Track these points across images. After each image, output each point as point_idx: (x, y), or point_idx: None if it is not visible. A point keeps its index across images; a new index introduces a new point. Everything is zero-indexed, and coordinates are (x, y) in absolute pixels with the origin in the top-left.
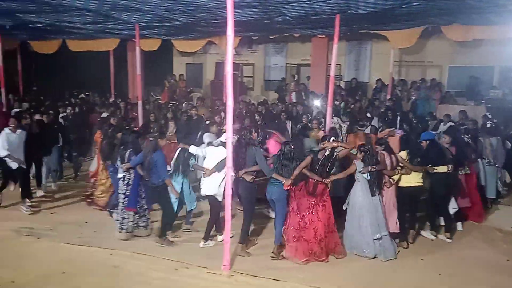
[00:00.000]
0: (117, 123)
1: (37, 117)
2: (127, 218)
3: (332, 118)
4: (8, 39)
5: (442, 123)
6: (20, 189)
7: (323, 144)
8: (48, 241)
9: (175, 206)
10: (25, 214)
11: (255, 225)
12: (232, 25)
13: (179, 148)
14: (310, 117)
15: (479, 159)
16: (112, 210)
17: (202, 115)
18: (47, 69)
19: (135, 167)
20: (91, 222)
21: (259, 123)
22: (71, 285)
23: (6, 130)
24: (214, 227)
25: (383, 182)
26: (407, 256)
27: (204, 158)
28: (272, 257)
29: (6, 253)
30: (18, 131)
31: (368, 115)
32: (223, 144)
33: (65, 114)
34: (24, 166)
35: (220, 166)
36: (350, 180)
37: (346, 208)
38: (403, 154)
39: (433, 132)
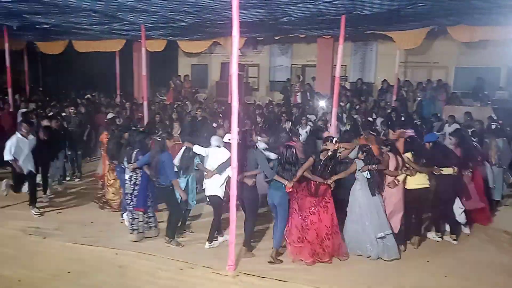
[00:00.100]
0: (123, 123)
1: (45, 123)
2: (137, 218)
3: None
4: (15, 39)
5: (447, 124)
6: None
7: (325, 146)
8: (54, 241)
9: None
10: (32, 214)
11: (259, 226)
12: (237, 26)
13: (184, 147)
14: (309, 119)
15: (485, 162)
16: (124, 212)
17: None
18: (54, 69)
19: (142, 167)
20: (97, 221)
21: (259, 125)
22: (78, 284)
23: (18, 135)
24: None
25: (385, 182)
26: (412, 258)
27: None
28: (269, 261)
29: (13, 252)
30: (30, 137)
31: (374, 116)
32: (226, 145)
33: (67, 114)
34: (33, 170)
35: (221, 168)
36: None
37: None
38: (408, 156)
39: (438, 133)
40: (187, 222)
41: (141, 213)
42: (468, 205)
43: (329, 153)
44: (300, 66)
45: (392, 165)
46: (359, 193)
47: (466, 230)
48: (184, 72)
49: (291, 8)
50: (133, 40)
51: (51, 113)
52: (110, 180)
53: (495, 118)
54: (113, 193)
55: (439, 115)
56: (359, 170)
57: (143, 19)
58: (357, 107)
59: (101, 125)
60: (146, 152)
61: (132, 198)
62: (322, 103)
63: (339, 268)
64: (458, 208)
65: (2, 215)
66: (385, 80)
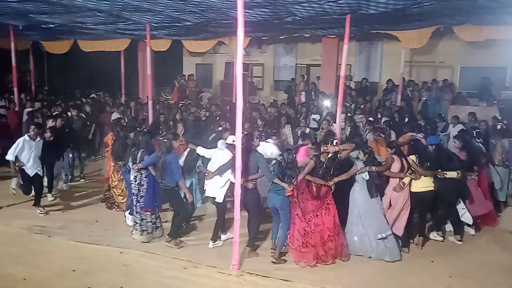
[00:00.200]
0: (128, 123)
1: (49, 123)
2: (145, 219)
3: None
4: (21, 39)
5: (451, 125)
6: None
7: (325, 148)
8: (59, 239)
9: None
10: (37, 213)
11: (263, 226)
12: (242, 25)
13: (188, 149)
14: (307, 121)
15: (491, 164)
16: (130, 213)
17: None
18: (59, 69)
19: (147, 167)
20: (101, 220)
21: (260, 129)
22: (83, 283)
23: (26, 137)
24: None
25: (390, 185)
26: (416, 258)
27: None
28: (273, 262)
29: (18, 251)
30: (38, 139)
31: (379, 115)
32: (229, 146)
33: (70, 117)
34: (40, 173)
35: (222, 169)
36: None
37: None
38: (413, 158)
39: (442, 133)
40: (192, 222)
41: (148, 213)
42: (475, 211)
43: (330, 154)
44: (305, 65)
45: (396, 167)
46: (358, 194)
47: (471, 231)
48: (188, 72)
49: (296, 8)
50: (138, 39)
51: (56, 112)
52: (115, 181)
53: (499, 118)
54: (119, 195)
55: (443, 115)
56: (358, 171)
57: (148, 19)
58: (362, 106)
59: (106, 124)
60: (152, 153)
61: (138, 199)
62: (326, 103)
63: (343, 268)
64: (461, 209)
65: (7, 213)
66: (390, 79)
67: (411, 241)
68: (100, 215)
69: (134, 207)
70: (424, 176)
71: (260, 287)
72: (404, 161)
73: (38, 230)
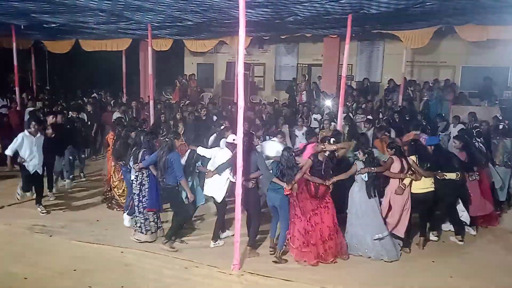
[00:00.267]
0: (129, 123)
1: (50, 119)
2: (148, 219)
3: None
4: (23, 38)
5: (452, 125)
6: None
7: (322, 146)
8: (60, 239)
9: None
10: (38, 212)
11: (264, 225)
12: (243, 25)
13: (189, 150)
14: (306, 121)
15: (491, 164)
16: (129, 214)
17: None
18: (60, 68)
19: (148, 167)
20: (103, 220)
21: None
22: (84, 282)
23: (26, 132)
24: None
25: (390, 186)
26: (418, 258)
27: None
28: (274, 261)
29: (19, 250)
30: (38, 135)
31: (380, 115)
32: (229, 145)
33: (70, 118)
34: (39, 170)
35: (221, 168)
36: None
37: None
38: (413, 158)
39: (442, 133)
40: (193, 221)
41: (151, 213)
42: (475, 212)
43: (327, 153)
44: (306, 65)
45: (396, 168)
46: (357, 194)
47: (472, 231)
48: (190, 71)
49: (298, 8)
50: (139, 39)
51: (55, 108)
52: (115, 181)
53: (500, 118)
54: (119, 195)
55: (444, 115)
56: (357, 172)
57: (149, 18)
58: (363, 106)
59: (107, 124)
60: (153, 152)
61: (141, 198)
62: (328, 103)
63: (344, 268)
64: (460, 210)
65: (9, 213)
66: (391, 79)
67: (411, 241)
68: (101, 215)
69: (136, 208)
70: (425, 177)
71: (261, 287)
72: (404, 162)
73: (39, 229)
